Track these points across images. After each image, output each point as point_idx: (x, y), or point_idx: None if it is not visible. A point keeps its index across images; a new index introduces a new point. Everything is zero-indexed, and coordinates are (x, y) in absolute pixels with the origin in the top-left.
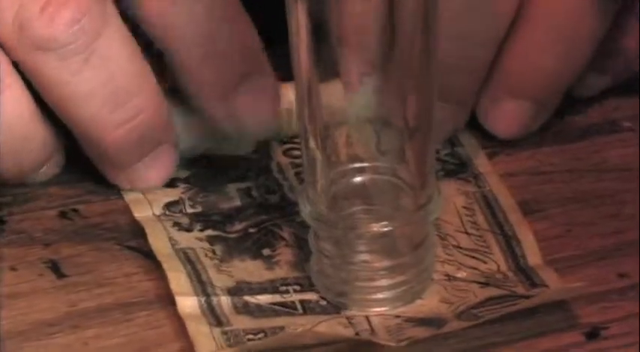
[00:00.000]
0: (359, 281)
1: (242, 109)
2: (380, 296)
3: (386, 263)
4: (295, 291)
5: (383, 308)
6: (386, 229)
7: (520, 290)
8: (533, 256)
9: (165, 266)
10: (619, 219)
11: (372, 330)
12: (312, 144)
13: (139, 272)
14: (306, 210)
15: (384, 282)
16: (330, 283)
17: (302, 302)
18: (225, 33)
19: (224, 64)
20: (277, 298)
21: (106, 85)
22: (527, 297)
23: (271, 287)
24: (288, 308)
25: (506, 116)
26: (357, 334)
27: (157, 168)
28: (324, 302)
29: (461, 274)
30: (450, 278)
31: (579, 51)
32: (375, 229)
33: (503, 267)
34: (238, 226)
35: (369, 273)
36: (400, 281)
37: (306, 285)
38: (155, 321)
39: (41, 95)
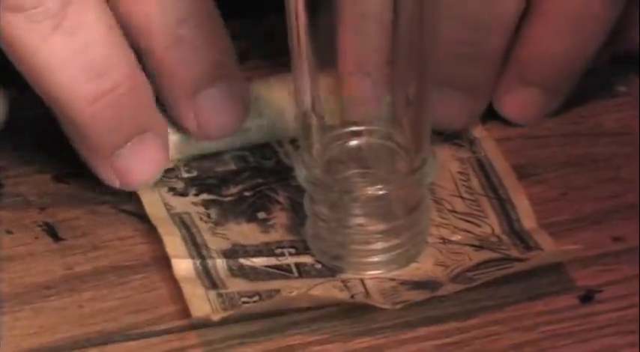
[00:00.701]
0: (354, 244)
1: (205, 112)
2: (375, 259)
3: (381, 226)
4: (290, 254)
5: (378, 272)
6: (381, 192)
7: (514, 253)
8: (527, 220)
9: (160, 230)
10: (614, 182)
11: (367, 293)
12: (307, 108)
13: (134, 236)
14: (301, 174)
15: (379, 245)
16: (326, 246)
17: (297, 265)
18: (198, 35)
19: (194, 64)
20: (272, 261)
21: (79, 53)
22: (521, 260)
23: (266, 250)
24: (283, 271)
25: (521, 103)
26: (352, 297)
27: (143, 160)
28: (319, 266)
29: (455, 237)
30: (444, 241)
31: (591, 37)
32: (370, 192)
33: (498, 231)
34: (233, 190)
35: (364, 237)
36: (395, 244)
37: (302, 248)
38: (150, 284)
39: (13, 63)
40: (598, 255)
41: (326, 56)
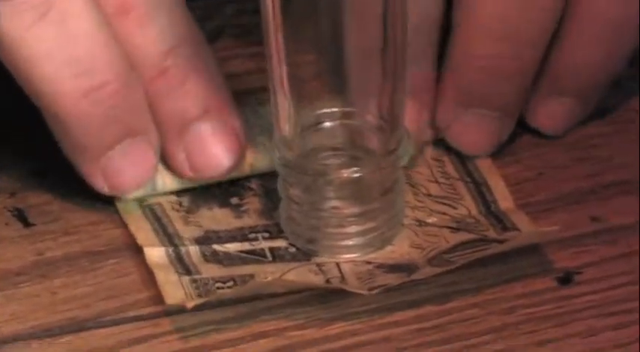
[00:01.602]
0: (329, 227)
1: (195, 149)
2: (350, 242)
3: (356, 209)
4: (264, 239)
5: (353, 255)
6: (356, 175)
7: (491, 234)
8: (504, 201)
9: (131, 227)
10: (592, 162)
11: (343, 277)
12: (279, 89)
13: (105, 221)
14: (274, 157)
15: (354, 229)
16: (300, 230)
17: (271, 249)
18: (185, 66)
19: (180, 97)
20: (246, 246)
21: (66, 46)
22: (500, 241)
23: (240, 235)
24: (257, 256)
25: (554, 114)
26: (327, 281)
27: (134, 163)
28: (293, 249)
29: (432, 219)
30: (420, 223)
31: (625, 44)
32: (344, 175)
33: (474, 212)
34: None
35: (338, 220)
36: (370, 227)
37: (275, 232)
38: (123, 269)
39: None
40: (576, 236)
41: (300, 36)
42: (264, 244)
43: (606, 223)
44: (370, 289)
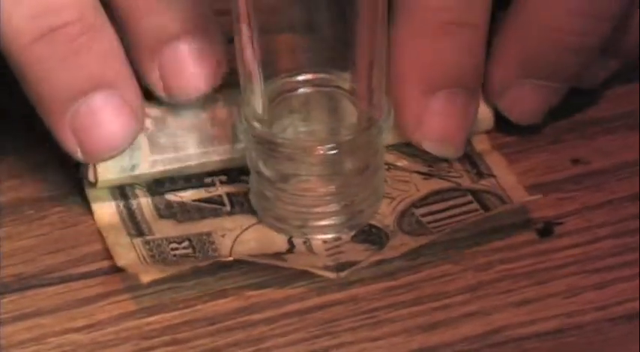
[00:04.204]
0: (302, 206)
1: (170, 69)
2: (324, 222)
3: (332, 187)
4: (222, 183)
5: (327, 236)
6: (332, 152)
7: (465, 181)
8: (479, 143)
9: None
10: (571, 97)
11: (308, 240)
12: (248, 55)
13: (51, 162)
14: (241, 128)
15: (329, 208)
16: (270, 206)
17: (229, 195)
18: None
19: (160, 13)
20: (202, 193)
21: None
22: (472, 191)
23: (196, 179)
24: (214, 204)
25: (526, 100)
26: (290, 249)
27: (103, 121)
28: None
29: (401, 162)
30: (389, 167)
31: (599, 27)
32: (320, 152)
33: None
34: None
35: (312, 198)
36: (347, 206)
37: (234, 176)
38: (70, 218)
39: None
40: (556, 181)
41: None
42: (222, 190)
43: (588, 166)
44: (338, 269)
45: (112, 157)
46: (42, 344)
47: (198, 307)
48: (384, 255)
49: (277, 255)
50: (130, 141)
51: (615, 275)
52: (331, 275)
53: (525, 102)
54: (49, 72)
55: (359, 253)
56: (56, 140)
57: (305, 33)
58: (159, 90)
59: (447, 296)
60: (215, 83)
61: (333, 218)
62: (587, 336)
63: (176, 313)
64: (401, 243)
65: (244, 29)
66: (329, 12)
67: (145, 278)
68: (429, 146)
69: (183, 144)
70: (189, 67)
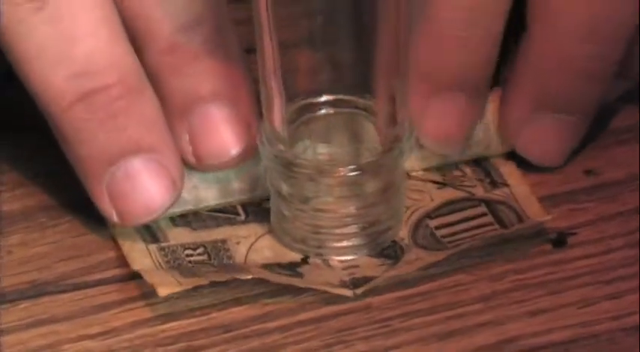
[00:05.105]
0: (322, 228)
1: (199, 134)
2: (344, 244)
3: (351, 209)
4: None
5: (347, 257)
6: (353, 173)
7: (479, 191)
8: None
9: None
10: None
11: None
12: (270, 76)
13: (64, 171)
14: (264, 150)
15: (349, 229)
16: (290, 228)
17: (243, 205)
18: (201, 45)
19: (189, 76)
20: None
21: (60, 44)
22: (486, 202)
23: None
24: (228, 214)
25: (544, 137)
26: (305, 259)
27: (140, 187)
28: (268, 205)
29: (415, 172)
30: None
31: (612, 51)
32: (341, 173)
33: (462, 163)
34: None
35: (333, 220)
36: (367, 227)
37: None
38: (84, 225)
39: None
40: (569, 192)
41: (292, 28)
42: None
43: (600, 177)
44: (354, 285)
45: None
46: (57, 350)
47: (213, 315)
48: (399, 270)
49: (292, 266)
50: (168, 207)
51: (629, 286)
52: (347, 292)
53: (545, 139)
54: (86, 134)
55: (374, 268)
56: (93, 203)
57: (326, 54)
58: (188, 155)
59: (460, 306)
60: (246, 146)
61: (352, 239)
62: (601, 346)
63: (191, 321)
64: (416, 258)
65: (267, 49)
66: (351, 33)
67: (163, 292)
68: (428, 143)
69: (205, 198)
70: (219, 131)
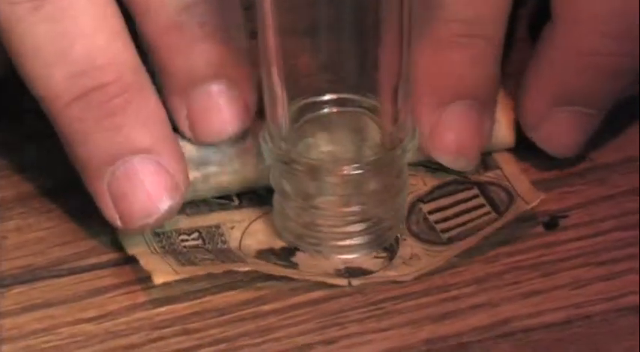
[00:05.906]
0: (324, 226)
1: (198, 112)
2: (347, 242)
3: (354, 207)
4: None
5: (349, 256)
6: (356, 172)
7: (471, 173)
8: None
9: None
10: None
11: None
12: (273, 74)
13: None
14: (266, 148)
15: (350, 228)
16: (292, 226)
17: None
18: (202, 25)
19: (190, 56)
20: None
21: (58, 43)
22: (478, 184)
23: None
24: (222, 200)
25: (562, 130)
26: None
27: (140, 188)
28: (261, 191)
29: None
30: None
31: (634, 48)
32: (344, 172)
33: None
34: None
35: (335, 219)
36: (367, 227)
37: None
38: (77, 212)
39: None
40: (561, 175)
41: (294, 26)
42: None
43: (593, 160)
44: (350, 274)
45: (150, 226)
46: (53, 334)
47: (208, 298)
48: (395, 271)
49: (286, 255)
50: (169, 209)
51: (621, 268)
52: (343, 282)
53: (563, 132)
54: (85, 133)
55: (369, 260)
56: (98, 208)
57: (330, 53)
58: (184, 128)
59: (454, 288)
60: (242, 128)
61: (355, 238)
62: (595, 327)
63: (186, 304)
64: (411, 255)
65: (270, 47)
66: (354, 32)
67: (158, 280)
68: (442, 159)
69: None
70: (218, 110)
